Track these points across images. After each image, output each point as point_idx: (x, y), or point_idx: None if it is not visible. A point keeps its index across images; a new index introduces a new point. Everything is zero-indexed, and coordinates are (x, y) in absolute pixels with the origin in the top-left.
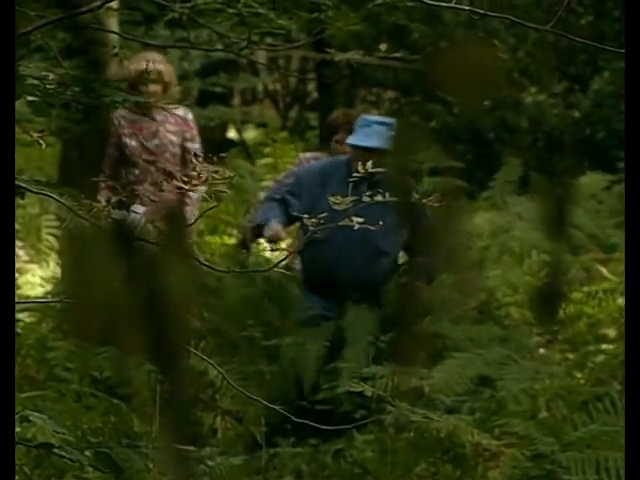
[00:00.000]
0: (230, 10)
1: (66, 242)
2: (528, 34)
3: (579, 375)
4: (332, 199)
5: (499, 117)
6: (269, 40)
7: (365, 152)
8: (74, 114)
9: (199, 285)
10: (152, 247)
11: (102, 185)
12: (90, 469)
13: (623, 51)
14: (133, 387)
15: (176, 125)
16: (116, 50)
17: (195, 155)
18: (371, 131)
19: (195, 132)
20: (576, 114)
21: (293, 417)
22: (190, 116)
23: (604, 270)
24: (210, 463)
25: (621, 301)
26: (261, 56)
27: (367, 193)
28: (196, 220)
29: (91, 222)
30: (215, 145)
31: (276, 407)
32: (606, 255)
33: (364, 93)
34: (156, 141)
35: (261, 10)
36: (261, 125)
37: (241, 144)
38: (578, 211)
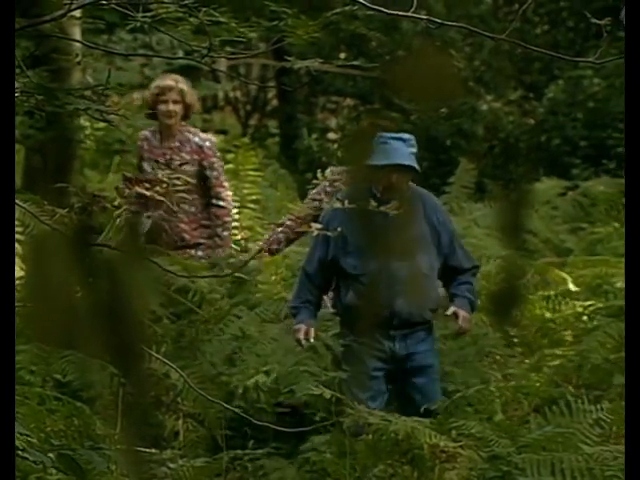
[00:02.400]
0: (191, 19)
1: (29, 248)
2: (484, 43)
3: (535, 378)
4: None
5: (455, 124)
6: (230, 48)
7: (385, 170)
8: (37, 121)
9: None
10: (112, 253)
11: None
12: (53, 471)
13: (577, 60)
14: (96, 390)
15: (191, 153)
16: (79, 58)
17: (156, 162)
18: (388, 148)
19: (214, 159)
20: (531, 121)
21: (253, 420)
22: (208, 143)
23: (559, 274)
24: (172, 465)
25: (577, 304)
26: (222, 64)
27: (393, 212)
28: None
29: (54, 228)
30: None
31: (236, 410)
32: (560, 259)
33: (323, 101)
34: (168, 170)
35: (222, 19)
36: (222, 132)
37: None
38: (533, 216)
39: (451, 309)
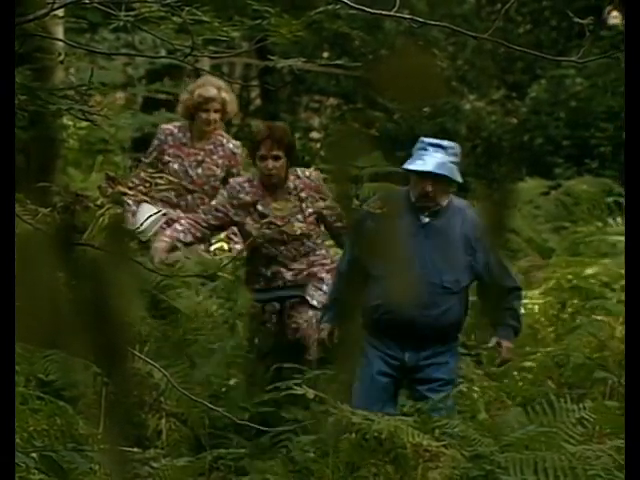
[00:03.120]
0: (174, 18)
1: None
2: (467, 42)
3: (517, 377)
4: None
5: (439, 123)
6: (213, 47)
7: (421, 177)
8: (20, 121)
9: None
10: (95, 252)
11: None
12: (35, 471)
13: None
14: (79, 390)
15: (224, 158)
16: (62, 57)
17: (139, 161)
18: (427, 154)
19: (240, 166)
20: (514, 121)
21: (236, 419)
22: (238, 150)
23: (541, 274)
24: (155, 465)
25: (557, 304)
26: (205, 63)
27: (426, 221)
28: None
29: (37, 228)
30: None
31: (219, 410)
32: (543, 259)
33: (306, 100)
34: (199, 170)
35: (204, 18)
36: None
37: None
38: (516, 216)
39: (493, 340)
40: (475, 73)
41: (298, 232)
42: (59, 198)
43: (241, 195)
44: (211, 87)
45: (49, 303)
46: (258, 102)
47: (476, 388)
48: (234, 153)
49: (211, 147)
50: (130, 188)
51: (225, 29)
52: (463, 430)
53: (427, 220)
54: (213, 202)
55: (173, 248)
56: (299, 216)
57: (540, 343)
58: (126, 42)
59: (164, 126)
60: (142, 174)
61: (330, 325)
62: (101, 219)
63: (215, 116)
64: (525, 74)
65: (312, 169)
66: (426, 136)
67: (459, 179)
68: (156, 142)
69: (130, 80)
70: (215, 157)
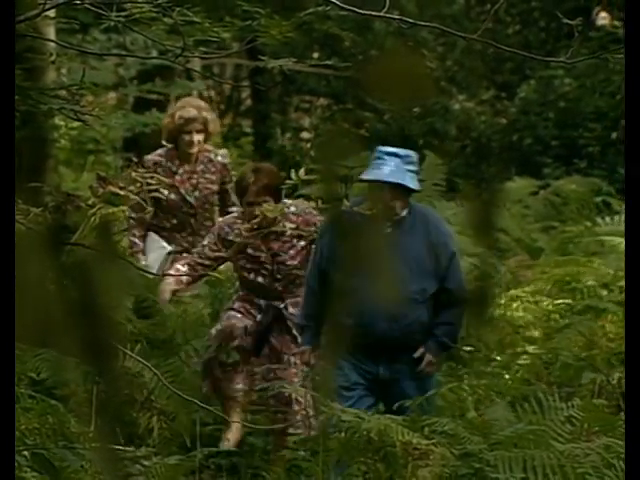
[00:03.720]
0: (165, 19)
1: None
2: (456, 43)
3: (506, 376)
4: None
5: (428, 123)
6: (203, 48)
7: (377, 187)
8: None
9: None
10: (86, 251)
11: (132, 224)
12: (28, 469)
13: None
14: (70, 388)
15: (216, 173)
16: (53, 58)
17: (129, 160)
18: (384, 164)
19: (231, 174)
20: (503, 121)
21: (226, 417)
22: (227, 160)
23: (530, 273)
24: (146, 463)
25: (548, 302)
26: (196, 63)
27: (387, 232)
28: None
29: (28, 227)
30: (151, 151)
31: (209, 408)
32: (532, 259)
33: (297, 100)
34: (197, 193)
35: (195, 18)
36: None
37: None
38: (505, 215)
39: (420, 351)
40: (464, 73)
41: (288, 232)
42: (51, 198)
43: (230, 237)
44: (191, 108)
45: (40, 302)
46: (249, 102)
47: (465, 387)
48: (224, 164)
49: (202, 167)
50: (121, 188)
51: (216, 30)
52: (452, 428)
53: (388, 231)
54: (205, 242)
55: (177, 289)
56: (291, 251)
57: (529, 342)
58: (117, 43)
59: (148, 157)
60: (133, 174)
61: (310, 347)
62: (92, 219)
63: (198, 137)
64: (514, 74)
65: (300, 200)
66: (416, 136)
67: (417, 187)
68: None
69: (121, 80)
70: (208, 175)
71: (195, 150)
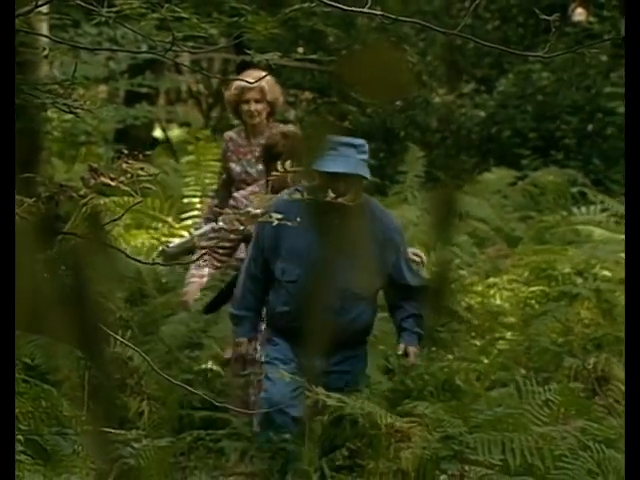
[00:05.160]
0: (154, 14)
1: None
2: (437, 38)
3: (485, 360)
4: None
5: (410, 116)
6: (192, 43)
7: (332, 178)
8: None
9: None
10: (78, 240)
11: (209, 203)
12: (21, 454)
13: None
14: (63, 373)
15: None
16: (46, 52)
17: (120, 152)
18: (337, 154)
19: None
20: (482, 114)
21: (214, 401)
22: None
23: (508, 261)
24: (136, 445)
25: (526, 289)
26: (185, 58)
27: (335, 223)
28: (122, 215)
29: (22, 217)
30: (141, 143)
31: (199, 392)
32: (510, 247)
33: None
34: (259, 166)
35: (184, 14)
36: (185, 124)
37: (166, 142)
38: (484, 205)
39: (401, 347)
40: (445, 68)
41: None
42: (44, 188)
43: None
44: (248, 78)
45: (34, 289)
46: None
47: (445, 371)
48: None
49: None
50: (112, 179)
51: (204, 26)
52: (433, 412)
53: (336, 222)
54: (220, 225)
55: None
56: None
57: (507, 328)
58: (108, 37)
59: (226, 134)
60: (123, 165)
61: (246, 340)
62: (84, 209)
63: (257, 107)
64: (493, 69)
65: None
66: (398, 129)
67: (368, 176)
68: (222, 152)
69: (112, 74)
70: None
71: (256, 121)
